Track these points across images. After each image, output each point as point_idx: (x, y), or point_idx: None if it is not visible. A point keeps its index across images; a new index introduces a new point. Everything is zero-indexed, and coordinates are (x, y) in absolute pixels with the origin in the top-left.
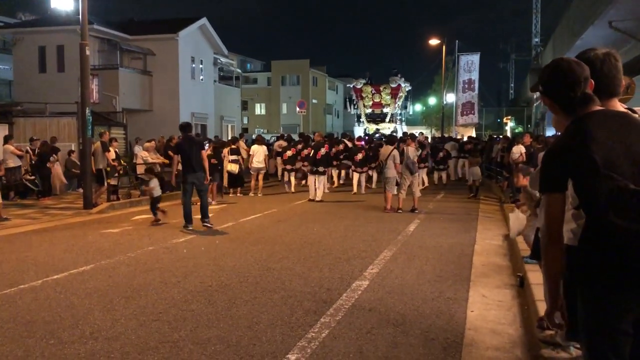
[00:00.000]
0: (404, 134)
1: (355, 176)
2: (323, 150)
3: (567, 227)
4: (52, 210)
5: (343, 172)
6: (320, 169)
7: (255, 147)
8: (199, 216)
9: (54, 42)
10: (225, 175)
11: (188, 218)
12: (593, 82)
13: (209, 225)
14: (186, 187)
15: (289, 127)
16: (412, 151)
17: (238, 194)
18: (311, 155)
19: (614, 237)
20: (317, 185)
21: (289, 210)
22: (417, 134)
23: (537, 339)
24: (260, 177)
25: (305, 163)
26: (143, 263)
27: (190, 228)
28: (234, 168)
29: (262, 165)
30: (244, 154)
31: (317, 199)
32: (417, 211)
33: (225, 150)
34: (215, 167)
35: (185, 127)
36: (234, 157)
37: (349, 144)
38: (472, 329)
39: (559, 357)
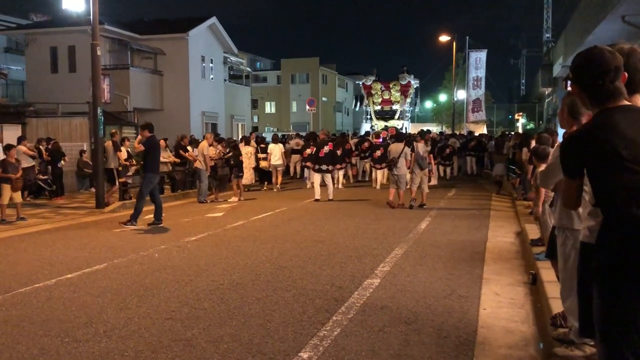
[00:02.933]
0: (420, 131)
1: (375, 172)
2: (326, 148)
3: (584, 224)
4: (65, 209)
5: (351, 172)
6: (323, 167)
7: (272, 146)
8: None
9: (65, 42)
10: (252, 172)
11: (137, 216)
12: (626, 75)
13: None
14: (155, 186)
15: (299, 125)
16: (421, 147)
17: (265, 189)
18: (313, 153)
19: (635, 231)
20: (326, 182)
21: (299, 209)
22: (425, 130)
23: (550, 336)
24: (279, 173)
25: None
26: (155, 262)
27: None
28: (266, 164)
29: (280, 162)
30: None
31: (329, 197)
32: (425, 206)
33: (249, 150)
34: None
35: (152, 126)
36: (264, 155)
37: (375, 142)
38: (484, 326)
39: (572, 355)
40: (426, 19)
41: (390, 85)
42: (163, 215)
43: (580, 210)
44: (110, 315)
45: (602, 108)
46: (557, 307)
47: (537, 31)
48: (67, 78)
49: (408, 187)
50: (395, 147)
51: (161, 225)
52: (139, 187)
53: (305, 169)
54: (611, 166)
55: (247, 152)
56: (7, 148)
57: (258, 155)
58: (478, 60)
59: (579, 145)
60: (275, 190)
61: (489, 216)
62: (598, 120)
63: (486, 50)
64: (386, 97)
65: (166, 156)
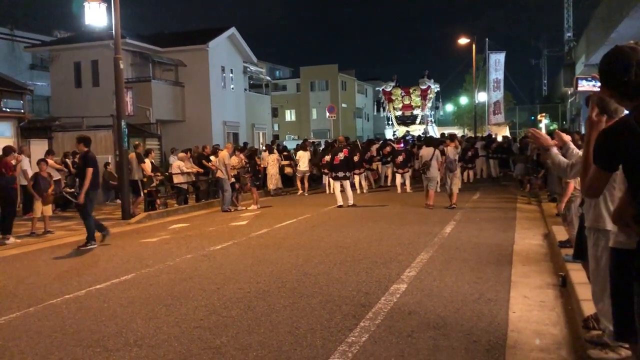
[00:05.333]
0: (442, 135)
1: (398, 177)
2: (341, 155)
3: (618, 229)
4: None
5: (372, 177)
6: (340, 174)
7: (300, 153)
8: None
9: (88, 57)
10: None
11: (102, 227)
12: None
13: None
14: (93, 206)
15: (319, 132)
16: (451, 150)
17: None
18: (328, 160)
19: None
20: (345, 189)
21: (322, 215)
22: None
23: (583, 339)
24: (306, 179)
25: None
26: (182, 271)
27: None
28: (290, 171)
29: (307, 168)
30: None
31: (349, 203)
32: (454, 207)
33: (274, 157)
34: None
35: (88, 140)
36: (287, 162)
37: (396, 147)
38: (514, 330)
39: (607, 358)
40: (444, 22)
41: (411, 91)
42: (106, 234)
43: (612, 209)
44: (139, 325)
45: (637, 103)
46: (588, 309)
47: (557, 30)
48: (90, 92)
49: (439, 190)
50: (427, 152)
51: (93, 247)
52: (81, 208)
53: (324, 175)
54: None
55: (272, 160)
56: (40, 162)
57: (282, 162)
58: (497, 62)
59: (616, 138)
60: (300, 194)
61: (515, 218)
62: (635, 114)
63: (505, 52)
64: (407, 102)
65: (189, 166)
